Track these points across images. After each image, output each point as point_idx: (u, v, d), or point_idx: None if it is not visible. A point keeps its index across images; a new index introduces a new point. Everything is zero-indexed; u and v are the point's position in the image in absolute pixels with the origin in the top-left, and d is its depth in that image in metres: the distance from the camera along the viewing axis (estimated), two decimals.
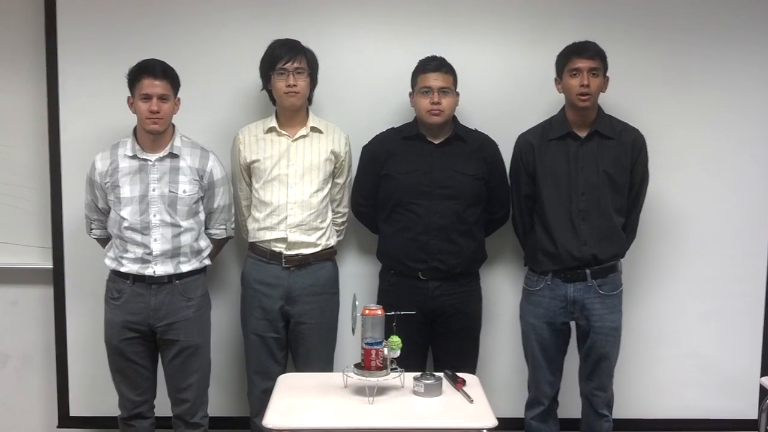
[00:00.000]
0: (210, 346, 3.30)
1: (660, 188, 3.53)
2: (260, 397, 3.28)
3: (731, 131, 3.63)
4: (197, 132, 3.41)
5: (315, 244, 3.30)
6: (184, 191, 3.12)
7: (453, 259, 3.25)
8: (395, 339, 2.58)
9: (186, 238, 3.14)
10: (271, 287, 3.30)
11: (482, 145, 3.35)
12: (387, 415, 2.47)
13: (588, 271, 3.17)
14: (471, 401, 2.56)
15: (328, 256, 3.39)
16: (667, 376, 3.73)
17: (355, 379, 2.57)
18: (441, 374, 2.70)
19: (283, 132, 3.28)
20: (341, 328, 3.36)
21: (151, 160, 3.11)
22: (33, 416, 3.76)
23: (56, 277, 3.51)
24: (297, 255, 3.28)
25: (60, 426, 3.70)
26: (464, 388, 2.65)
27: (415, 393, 2.60)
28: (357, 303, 2.56)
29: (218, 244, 3.37)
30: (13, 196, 3.62)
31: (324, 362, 3.37)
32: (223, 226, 3.31)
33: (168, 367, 3.23)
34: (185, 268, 3.15)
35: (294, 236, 3.26)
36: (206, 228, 3.27)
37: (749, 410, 3.73)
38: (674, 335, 3.71)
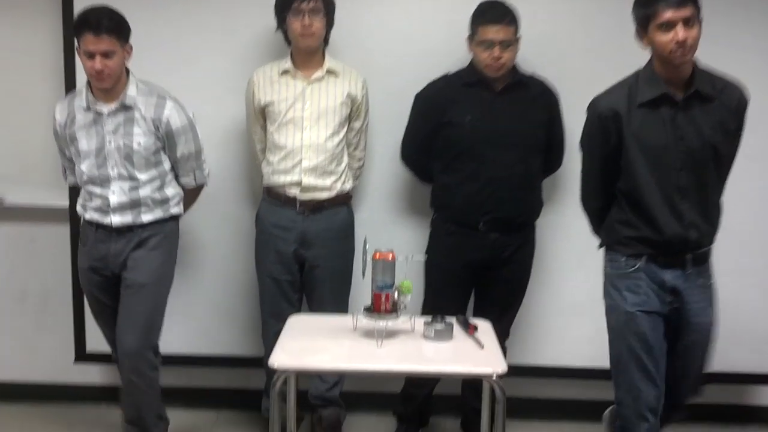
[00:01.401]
0: (161, 290, 3.14)
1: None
2: (274, 339, 3.22)
3: None
4: (212, 74, 3.36)
5: (330, 189, 3.25)
6: (140, 144, 2.96)
7: (516, 210, 3.17)
8: (406, 283, 2.54)
9: (145, 191, 3.02)
10: (285, 231, 3.27)
11: (543, 92, 3.24)
12: (395, 359, 2.44)
13: (689, 257, 2.64)
14: (482, 347, 2.52)
15: (343, 200, 3.34)
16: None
17: (365, 322, 2.54)
18: (452, 319, 2.65)
19: (299, 74, 3.21)
20: (356, 273, 3.31)
21: (104, 112, 2.96)
22: (50, 351, 3.78)
23: (72, 215, 3.48)
24: (311, 199, 3.24)
25: (77, 361, 3.72)
26: (476, 334, 2.61)
27: (425, 337, 2.56)
28: (368, 247, 2.52)
29: (191, 193, 3.23)
30: (31, 135, 3.59)
31: (338, 306, 3.33)
32: (191, 175, 3.16)
33: (119, 306, 3.12)
34: (147, 217, 3.05)
35: (308, 180, 3.21)
36: (176, 176, 3.15)
37: None
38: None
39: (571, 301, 3.59)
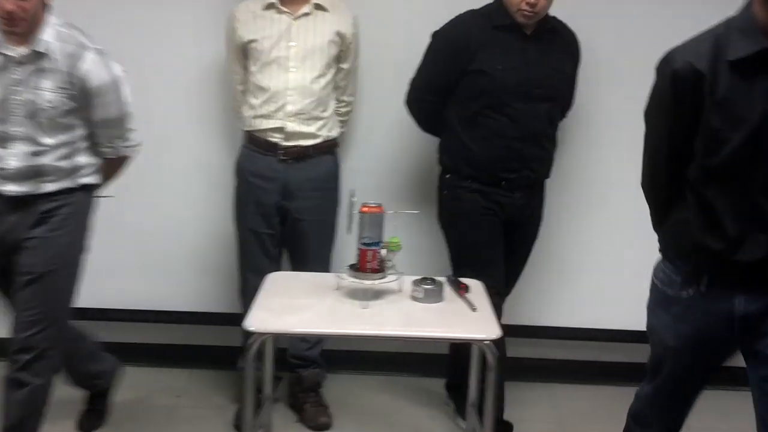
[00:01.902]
0: (67, 279, 2.57)
1: None
2: (253, 295, 3.01)
3: None
4: (188, 9, 3.13)
5: (315, 135, 3.01)
6: (49, 102, 2.39)
7: (542, 167, 2.95)
8: (395, 240, 2.31)
9: (49, 158, 2.44)
10: (266, 180, 3.03)
11: (572, 39, 2.98)
12: (381, 322, 2.21)
13: None
14: (474, 309, 2.30)
15: (329, 148, 3.10)
16: None
17: (349, 281, 2.31)
18: (442, 278, 2.42)
19: (284, 9, 2.94)
20: (341, 226, 3.08)
21: (14, 57, 2.40)
22: None
23: None
24: (295, 146, 2.99)
25: None
26: (467, 295, 2.39)
27: (414, 298, 2.34)
28: (354, 199, 2.28)
29: (111, 164, 2.68)
30: None
31: (321, 262, 3.14)
32: (111, 145, 2.61)
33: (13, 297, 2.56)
34: (51, 187, 2.48)
35: (292, 126, 2.96)
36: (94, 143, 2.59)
37: None
38: None
39: (570, 260, 3.42)
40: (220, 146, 3.35)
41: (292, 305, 2.28)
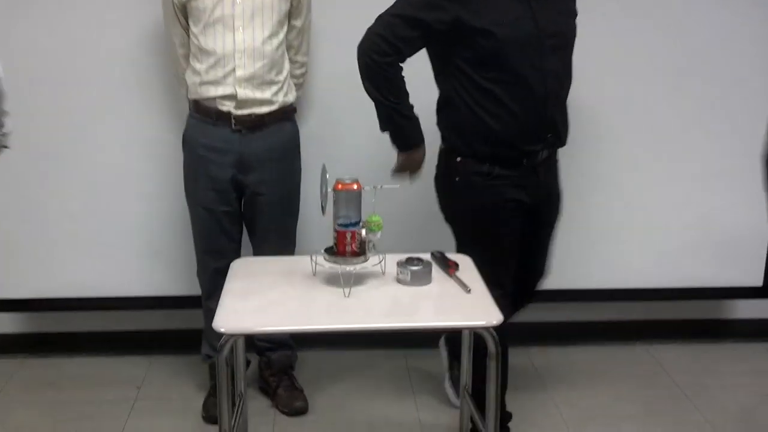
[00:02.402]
0: None
1: None
2: (213, 277, 2.79)
3: None
4: None
5: (270, 102, 2.71)
6: None
7: (565, 130, 2.50)
8: (375, 218, 2.05)
9: None
10: (219, 153, 2.73)
11: None
12: (367, 312, 1.96)
13: None
14: (468, 291, 2.06)
15: (287, 114, 2.81)
16: (669, 244, 3.29)
17: (327, 267, 2.05)
18: (427, 256, 2.18)
19: None
20: (310, 205, 2.82)
21: None
22: None
23: None
24: (249, 115, 2.70)
25: None
26: (457, 274, 2.15)
27: (400, 281, 2.09)
28: (327, 176, 2.01)
29: None
30: None
31: (285, 238, 2.88)
32: None
33: None
34: None
35: (244, 92, 2.66)
36: None
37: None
38: (674, 200, 3.26)
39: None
40: (163, 116, 3.05)
41: (265, 298, 2.01)
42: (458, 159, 2.44)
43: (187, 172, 2.83)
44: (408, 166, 2.51)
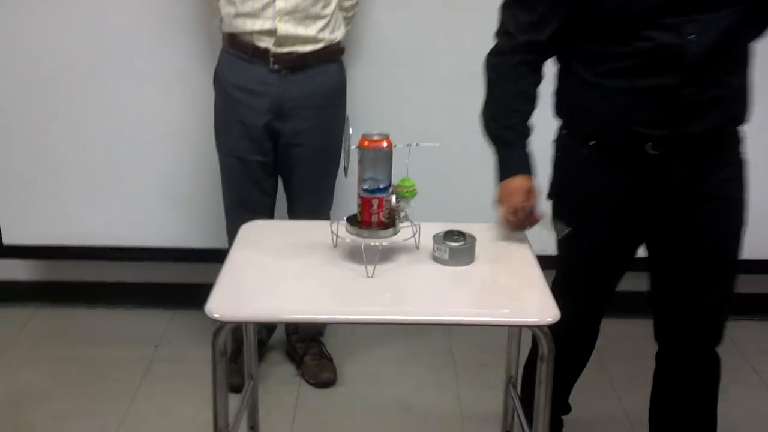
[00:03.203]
0: None
1: None
2: None
3: None
4: None
5: (315, 39, 2.35)
6: None
7: (723, 113, 1.73)
8: (408, 183, 1.67)
9: None
10: (254, 96, 2.39)
11: None
12: (394, 298, 1.59)
13: None
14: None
15: (333, 55, 2.45)
16: None
17: (348, 240, 1.68)
18: (471, 228, 1.77)
19: None
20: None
21: None
22: None
23: None
24: (290, 53, 2.35)
25: None
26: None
27: (436, 260, 1.71)
28: (351, 130, 1.63)
29: None
30: None
31: (321, 197, 2.57)
32: None
33: None
34: None
35: (286, 27, 2.31)
36: None
37: None
38: None
39: None
40: (196, 51, 2.70)
41: (272, 274, 1.66)
42: (563, 131, 1.89)
43: (217, 115, 2.51)
44: (504, 200, 1.80)
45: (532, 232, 1.83)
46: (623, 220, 1.83)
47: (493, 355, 2.43)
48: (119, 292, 3.05)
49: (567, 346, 1.70)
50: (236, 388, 2.15)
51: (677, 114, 1.68)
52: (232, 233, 2.54)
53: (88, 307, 3.04)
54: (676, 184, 1.75)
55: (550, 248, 1.92)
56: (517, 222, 1.77)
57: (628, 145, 1.74)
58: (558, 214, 1.91)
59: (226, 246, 2.55)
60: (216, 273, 1.65)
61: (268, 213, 2.56)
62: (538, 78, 1.81)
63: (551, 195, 1.92)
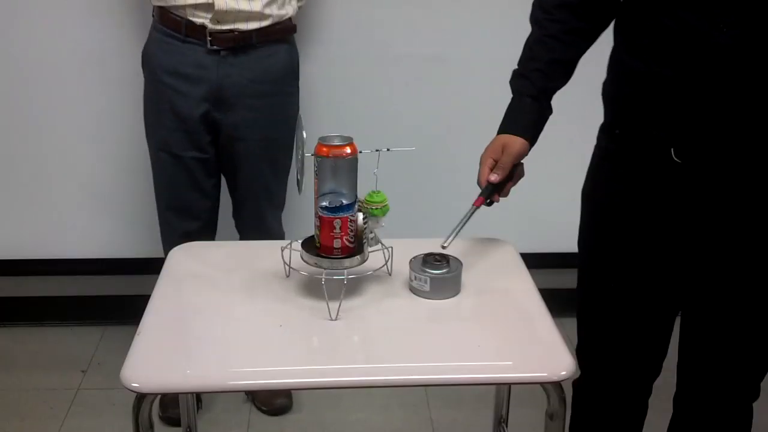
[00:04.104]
0: None
1: None
2: (180, 242, 2.07)
3: None
4: None
5: (261, 15, 2.00)
6: None
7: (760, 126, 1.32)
8: (378, 197, 1.30)
9: None
10: (189, 82, 2.03)
11: None
12: (362, 352, 1.23)
13: None
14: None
15: (282, 34, 2.09)
16: None
17: (305, 270, 1.31)
18: (456, 257, 1.40)
19: None
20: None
21: None
22: None
23: None
24: (231, 32, 2.00)
25: None
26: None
27: (414, 291, 1.35)
28: (305, 132, 1.24)
29: None
30: None
31: (272, 201, 2.22)
32: None
33: None
34: None
35: (225, 1, 1.94)
36: None
37: None
38: None
39: None
40: (121, 29, 2.30)
41: (209, 320, 1.28)
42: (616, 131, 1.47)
43: (146, 104, 2.14)
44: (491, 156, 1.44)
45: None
46: (654, 236, 1.45)
47: None
48: (41, 307, 2.67)
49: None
50: (177, 421, 1.83)
51: (701, 117, 1.31)
52: (167, 242, 2.19)
53: (4, 325, 2.66)
54: (709, 207, 1.38)
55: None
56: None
57: (649, 147, 1.38)
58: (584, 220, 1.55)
59: (163, 255, 2.20)
60: (152, 285, 1.29)
61: (209, 218, 2.20)
62: (576, 26, 1.43)
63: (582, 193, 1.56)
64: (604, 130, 1.48)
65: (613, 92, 1.44)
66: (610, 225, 1.48)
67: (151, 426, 1.18)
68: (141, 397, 1.13)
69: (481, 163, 1.41)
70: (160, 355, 1.18)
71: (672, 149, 1.34)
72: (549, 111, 1.46)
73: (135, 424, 1.16)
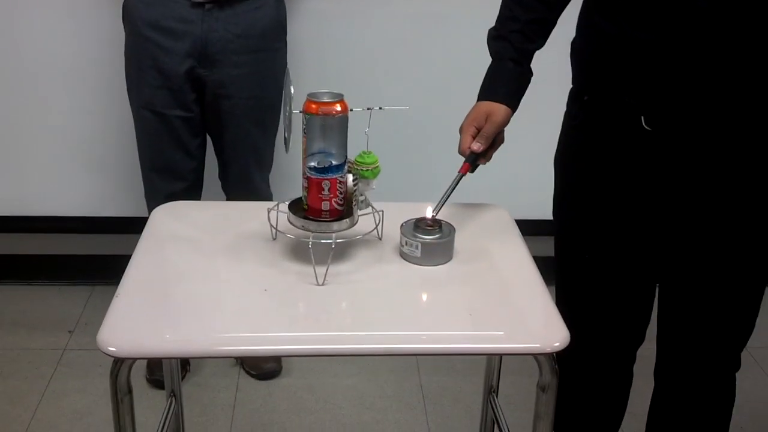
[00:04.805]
0: None
1: None
2: (165, 202, 2.00)
3: None
4: None
5: None
6: None
7: (735, 94, 1.23)
8: (369, 158, 1.23)
9: None
10: (173, 36, 1.93)
11: None
12: (349, 319, 1.17)
13: None
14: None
15: None
16: None
17: (292, 233, 1.25)
18: (448, 222, 1.34)
19: None
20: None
21: None
22: None
23: None
24: None
25: None
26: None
27: (405, 257, 1.28)
28: (293, 88, 1.17)
29: None
30: None
31: (259, 161, 2.13)
32: None
33: None
34: None
35: None
36: None
37: None
38: None
39: None
40: None
41: (191, 284, 1.21)
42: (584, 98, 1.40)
43: (128, 61, 2.04)
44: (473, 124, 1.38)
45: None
46: (626, 206, 1.39)
47: None
48: (27, 266, 2.58)
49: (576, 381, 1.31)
50: (162, 383, 1.78)
51: (674, 83, 1.23)
52: (151, 204, 2.10)
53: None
54: (680, 176, 1.31)
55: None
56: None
57: (619, 114, 1.31)
58: (557, 189, 1.49)
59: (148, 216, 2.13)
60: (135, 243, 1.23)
61: (194, 178, 2.12)
62: None
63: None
64: (572, 97, 1.42)
65: (582, 56, 1.37)
66: (582, 195, 1.42)
67: (130, 390, 1.12)
68: (119, 362, 1.07)
69: (462, 131, 1.35)
70: (139, 319, 1.12)
71: (642, 117, 1.28)
72: (530, 74, 1.40)
73: (113, 388, 1.10)
